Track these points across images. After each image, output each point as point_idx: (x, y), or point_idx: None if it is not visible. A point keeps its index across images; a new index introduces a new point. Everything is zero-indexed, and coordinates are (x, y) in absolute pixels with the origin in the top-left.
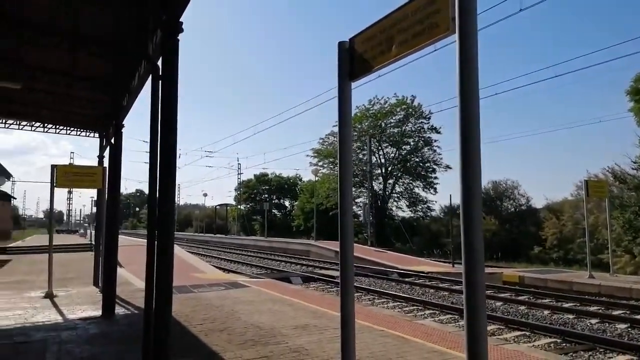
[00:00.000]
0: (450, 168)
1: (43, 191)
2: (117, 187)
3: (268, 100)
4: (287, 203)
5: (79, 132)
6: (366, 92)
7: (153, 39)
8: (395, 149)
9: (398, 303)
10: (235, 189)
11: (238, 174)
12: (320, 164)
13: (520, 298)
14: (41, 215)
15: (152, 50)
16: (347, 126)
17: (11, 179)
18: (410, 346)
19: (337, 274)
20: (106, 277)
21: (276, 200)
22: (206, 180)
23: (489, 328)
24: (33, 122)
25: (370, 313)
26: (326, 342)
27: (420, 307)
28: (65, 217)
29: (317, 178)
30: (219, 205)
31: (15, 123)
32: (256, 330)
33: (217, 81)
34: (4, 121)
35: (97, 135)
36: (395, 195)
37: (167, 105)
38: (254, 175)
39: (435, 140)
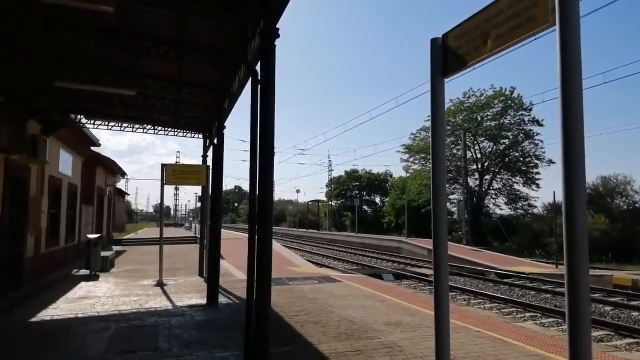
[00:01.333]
0: (554, 163)
1: (152, 187)
2: (219, 184)
3: (358, 97)
4: (377, 199)
5: (185, 134)
6: (462, 84)
7: (252, 45)
8: (492, 143)
9: (495, 304)
10: (326, 185)
11: (329, 170)
12: (411, 159)
13: (633, 303)
14: (151, 210)
15: (250, 56)
16: (440, 123)
17: (126, 177)
18: (509, 348)
19: (430, 272)
20: (210, 269)
21: (366, 197)
22: (299, 177)
23: (596, 334)
24: (145, 125)
25: (465, 313)
26: (419, 339)
27: (519, 309)
28: (172, 212)
29: (408, 174)
30: (311, 201)
31: (130, 126)
32: (349, 324)
33: (308, 81)
34: (120, 124)
35: (201, 136)
36: (493, 191)
37: (265, 107)
38: (345, 171)
39: (537, 134)
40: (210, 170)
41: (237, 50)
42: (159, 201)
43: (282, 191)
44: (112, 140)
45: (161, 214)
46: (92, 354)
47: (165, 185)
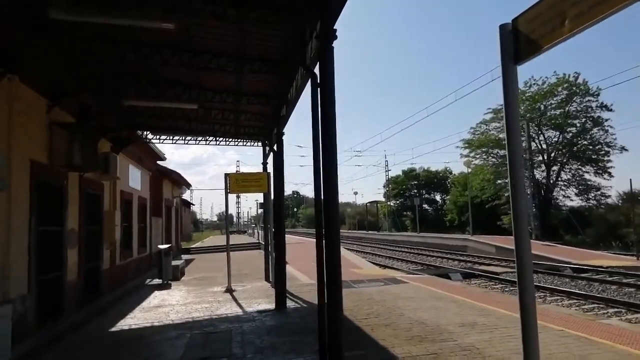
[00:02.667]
0: (626, 150)
1: (215, 197)
2: (281, 191)
3: (413, 95)
4: (437, 197)
5: (245, 143)
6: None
7: (309, 48)
8: (558, 133)
9: (574, 301)
10: (384, 186)
11: (386, 171)
12: (472, 154)
13: None
14: (215, 219)
15: (309, 59)
16: (513, 112)
17: (191, 188)
18: (597, 348)
19: (500, 270)
20: (277, 274)
21: (426, 195)
22: (356, 179)
23: None
24: (207, 137)
25: (544, 311)
26: (497, 341)
27: (601, 305)
28: (235, 219)
29: (469, 170)
30: (369, 202)
31: (193, 139)
32: (421, 326)
33: (361, 81)
34: (184, 138)
35: (259, 144)
36: (562, 183)
37: (325, 110)
38: (402, 171)
39: (606, 120)
40: (272, 177)
41: (295, 56)
42: (224, 210)
43: (340, 194)
44: (175, 153)
45: (227, 223)
46: None
47: (211, 195)
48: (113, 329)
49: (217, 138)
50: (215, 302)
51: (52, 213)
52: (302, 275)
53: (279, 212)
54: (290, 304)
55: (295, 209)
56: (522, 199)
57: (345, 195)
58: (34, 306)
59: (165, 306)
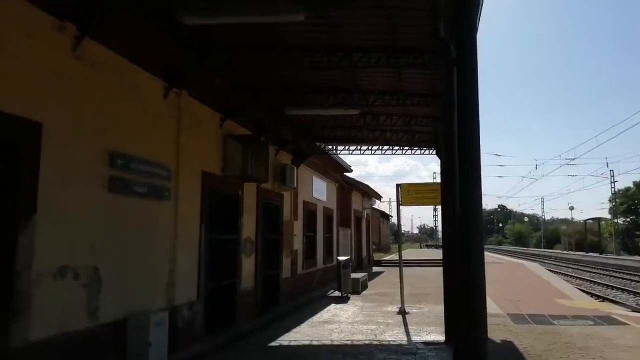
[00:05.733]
0: None
1: (415, 209)
2: (449, 204)
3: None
4: None
5: (422, 151)
6: None
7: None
8: None
9: None
10: (609, 200)
11: (611, 182)
12: None
13: None
14: (415, 231)
15: (444, 33)
16: None
17: (389, 200)
18: None
19: None
20: (447, 299)
21: None
22: (571, 192)
23: None
24: (381, 146)
25: None
26: None
27: None
28: (435, 233)
29: None
30: (589, 219)
31: (368, 148)
32: None
33: (569, 78)
34: (359, 147)
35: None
36: None
37: (464, 91)
38: (633, 182)
39: None
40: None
41: (436, 37)
42: (424, 223)
43: (551, 209)
44: (379, 167)
45: (399, 235)
46: None
47: (413, 206)
48: (273, 343)
49: (393, 147)
50: (384, 324)
51: (227, 222)
52: (492, 301)
53: (448, 226)
54: None
55: (500, 224)
56: None
57: (559, 210)
58: (202, 312)
59: (333, 322)
